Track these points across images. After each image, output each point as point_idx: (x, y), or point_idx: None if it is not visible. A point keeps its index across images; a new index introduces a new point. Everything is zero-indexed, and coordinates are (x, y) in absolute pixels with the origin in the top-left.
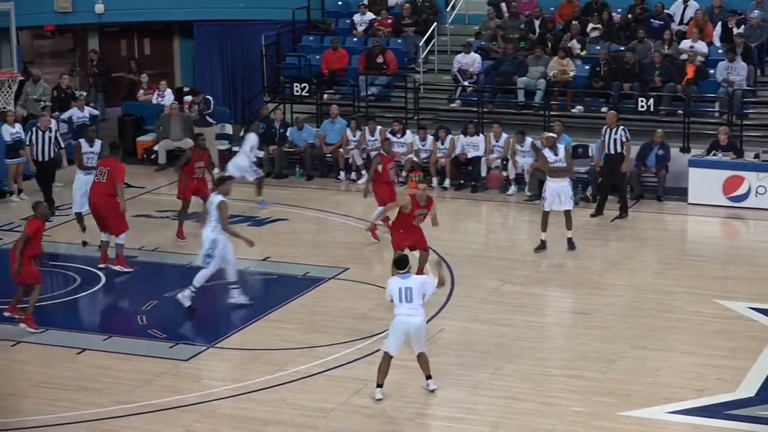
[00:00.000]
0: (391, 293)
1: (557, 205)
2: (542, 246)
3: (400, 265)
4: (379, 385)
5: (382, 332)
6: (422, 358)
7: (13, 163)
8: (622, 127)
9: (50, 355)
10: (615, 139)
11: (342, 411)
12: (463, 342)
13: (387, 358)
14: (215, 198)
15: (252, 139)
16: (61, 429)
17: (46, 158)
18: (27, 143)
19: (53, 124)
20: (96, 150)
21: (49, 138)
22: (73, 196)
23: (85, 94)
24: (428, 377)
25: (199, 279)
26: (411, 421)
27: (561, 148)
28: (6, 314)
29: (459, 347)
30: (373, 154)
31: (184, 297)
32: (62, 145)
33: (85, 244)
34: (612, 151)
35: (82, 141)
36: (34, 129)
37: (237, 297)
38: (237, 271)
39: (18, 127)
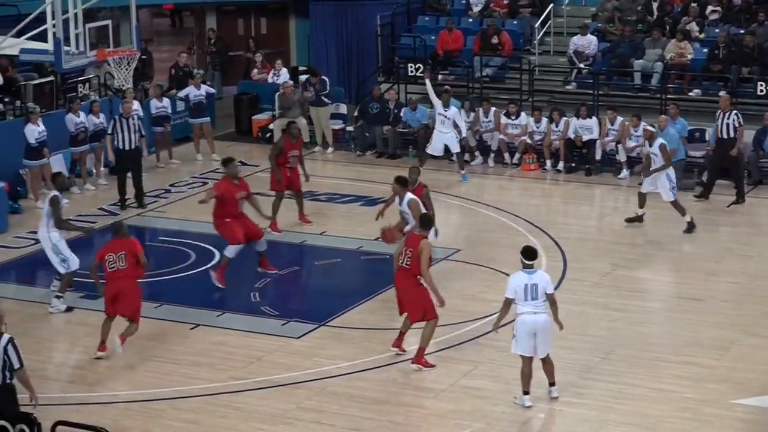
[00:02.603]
0: (514, 289)
1: (655, 189)
2: (635, 218)
3: (528, 256)
4: (526, 392)
5: (493, 314)
6: (548, 364)
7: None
8: (735, 111)
9: (164, 330)
10: (727, 124)
11: (451, 392)
12: (574, 326)
13: (527, 361)
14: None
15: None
16: (175, 402)
17: (132, 146)
18: (109, 132)
19: (137, 108)
20: None
21: (133, 125)
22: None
23: (202, 72)
24: (552, 384)
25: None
26: (521, 403)
27: (658, 142)
28: None
29: (570, 331)
30: (486, 136)
31: None
32: (144, 134)
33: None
34: (724, 136)
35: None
36: (117, 117)
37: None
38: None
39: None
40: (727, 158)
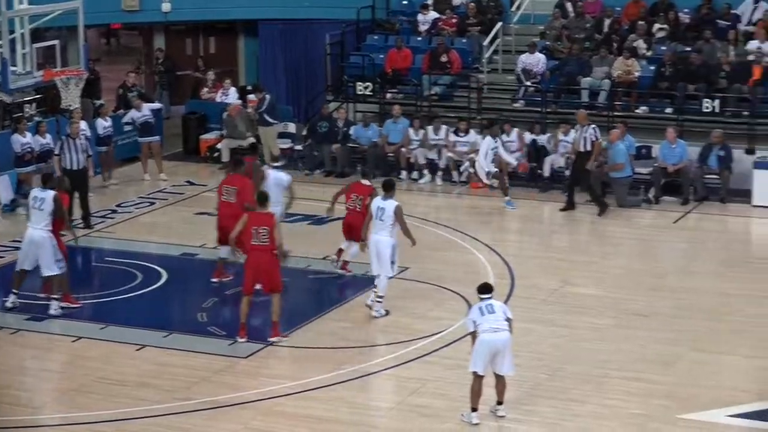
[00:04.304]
0: (471, 320)
1: None
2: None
3: (483, 291)
4: (474, 409)
5: (441, 332)
6: (501, 383)
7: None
8: (593, 125)
9: (111, 351)
10: (585, 137)
11: (399, 410)
12: (522, 343)
13: (477, 378)
14: (390, 203)
15: (488, 142)
16: (121, 425)
17: (80, 166)
18: (56, 153)
19: (84, 128)
20: None
21: (81, 145)
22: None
23: (135, 93)
24: (500, 402)
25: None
26: (468, 422)
27: None
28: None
29: (518, 348)
30: (434, 153)
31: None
32: (90, 154)
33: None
34: (581, 149)
35: None
36: (64, 137)
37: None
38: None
39: (48, 137)
40: (583, 170)
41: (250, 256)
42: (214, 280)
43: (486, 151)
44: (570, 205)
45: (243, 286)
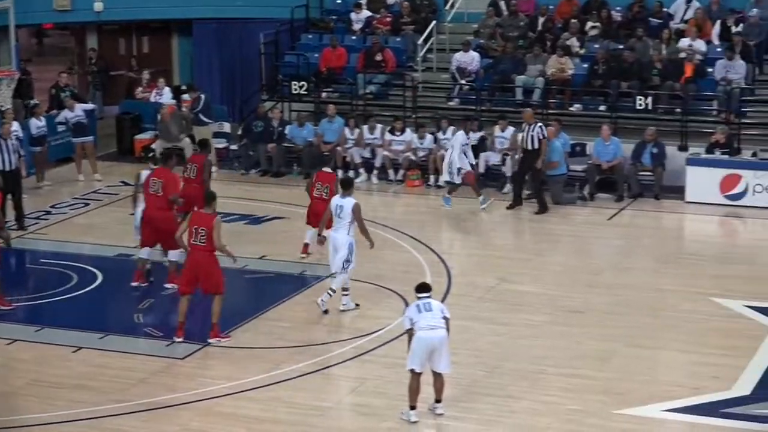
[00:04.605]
0: (409, 318)
1: None
2: None
3: (420, 290)
4: (413, 407)
5: (379, 330)
6: (439, 381)
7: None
8: (540, 124)
9: (46, 354)
10: (532, 136)
11: (337, 409)
12: (459, 340)
13: (415, 376)
14: (348, 201)
15: (461, 138)
16: (58, 427)
17: (12, 167)
18: None
19: (16, 128)
20: None
21: (12, 145)
22: None
23: (68, 93)
24: (438, 400)
25: (339, 283)
26: (407, 420)
27: None
28: None
29: (456, 345)
30: (368, 152)
31: (323, 302)
32: (22, 153)
33: None
34: (529, 147)
35: None
36: None
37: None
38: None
39: None
40: (531, 168)
41: (189, 255)
42: (134, 284)
43: (459, 147)
44: (517, 202)
45: (181, 285)
